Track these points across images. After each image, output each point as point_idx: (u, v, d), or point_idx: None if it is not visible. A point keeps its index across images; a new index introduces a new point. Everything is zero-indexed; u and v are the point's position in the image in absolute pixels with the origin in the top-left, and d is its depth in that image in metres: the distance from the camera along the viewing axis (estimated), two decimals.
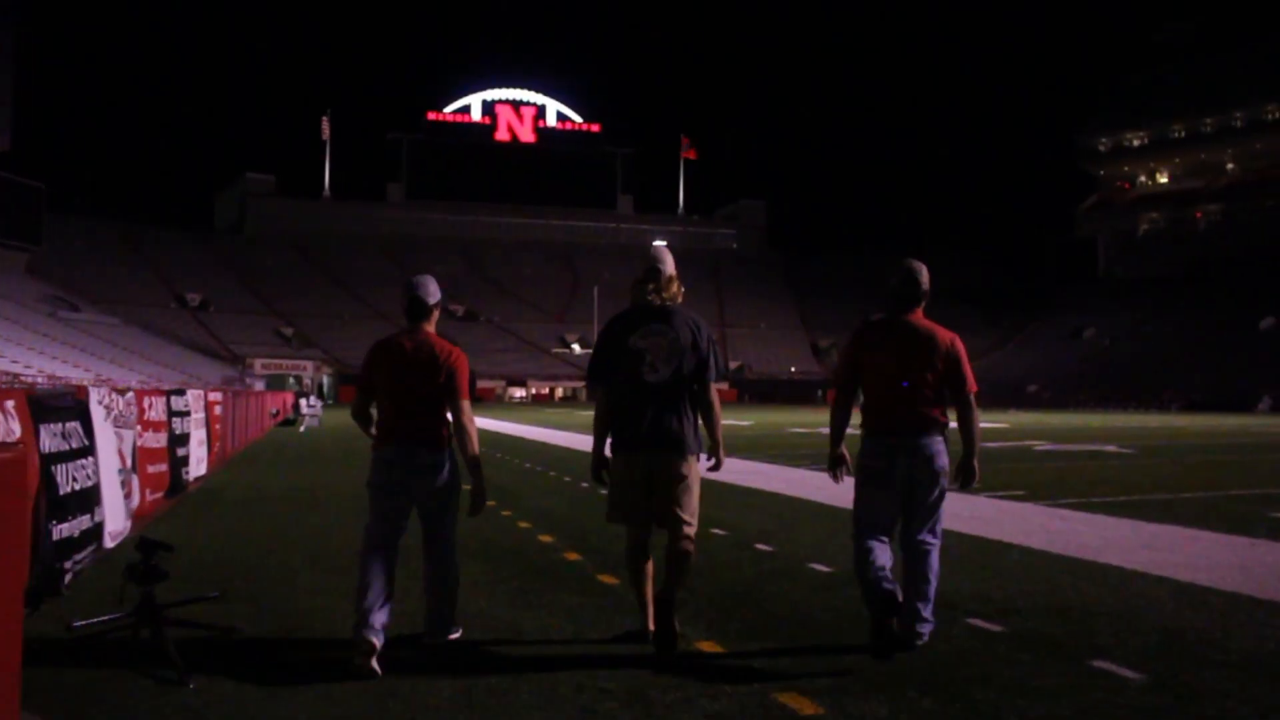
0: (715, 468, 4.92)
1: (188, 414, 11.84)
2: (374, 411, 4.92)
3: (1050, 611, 5.39)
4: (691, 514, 4.76)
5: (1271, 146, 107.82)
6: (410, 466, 4.67)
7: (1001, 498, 10.88)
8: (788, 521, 9.12)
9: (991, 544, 7.67)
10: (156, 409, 9.87)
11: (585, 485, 12.56)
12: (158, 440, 9.85)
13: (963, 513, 9.47)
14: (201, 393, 13.78)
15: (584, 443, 22.56)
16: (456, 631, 4.89)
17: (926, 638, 4.64)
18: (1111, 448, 20.35)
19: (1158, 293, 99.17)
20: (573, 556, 7.20)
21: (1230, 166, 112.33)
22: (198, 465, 12.88)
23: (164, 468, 10.21)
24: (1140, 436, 25.70)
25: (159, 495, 9.99)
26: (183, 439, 11.38)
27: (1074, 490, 11.70)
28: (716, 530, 8.22)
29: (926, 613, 4.66)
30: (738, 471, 13.97)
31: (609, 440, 4.89)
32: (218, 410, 15.18)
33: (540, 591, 6.01)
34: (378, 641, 4.31)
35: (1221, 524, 8.69)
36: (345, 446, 21.18)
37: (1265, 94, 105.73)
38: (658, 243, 5.16)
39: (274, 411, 35.23)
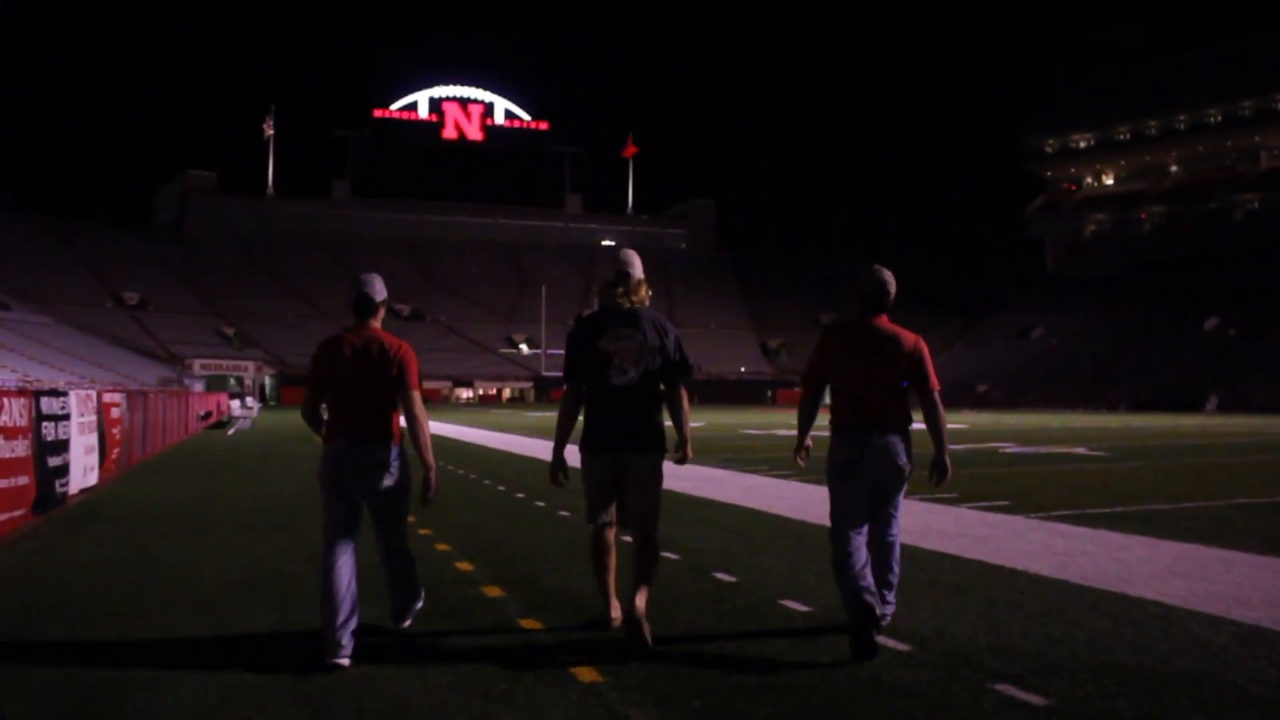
0: (681, 460, 4.96)
1: (66, 418, 10.37)
2: (324, 412, 4.86)
3: (1100, 671, 4.17)
4: (657, 513, 4.87)
5: (1213, 149, 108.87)
6: (360, 462, 4.67)
7: (986, 509, 9.73)
8: (751, 541, 7.88)
9: (993, 570, 6.49)
10: (13, 413, 8.42)
11: (521, 496, 11.26)
12: (14, 449, 8.39)
13: (950, 529, 8.31)
14: (91, 394, 12.29)
15: (525, 446, 21.24)
16: (420, 600, 5.05)
17: (889, 619, 4.90)
18: (1081, 449, 19.38)
19: (1104, 293, 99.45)
20: (492, 592, 5.88)
21: (1174, 169, 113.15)
22: (84, 475, 11.42)
23: (26, 480, 8.76)
24: (1106, 438, 24.81)
25: (20, 512, 8.56)
26: (57, 446, 9.91)
27: (1062, 499, 10.58)
28: (669, 554, 6.94)
29: (890, 597, 4.97)
30: (690, 479, 12.72)
31: (579, 441, 4.92)
32: (115, 413, 13.67)
33: (443, 641, 4.71)
34: (345, 660, 4.36)
35: (1247, 542, 7.58)
36: (267, 451, 19.70)
37: (1207, 97, 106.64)
38: (627, 249, 5.09)
39: (203, 414, 33.55)
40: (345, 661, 4.33)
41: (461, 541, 7.77)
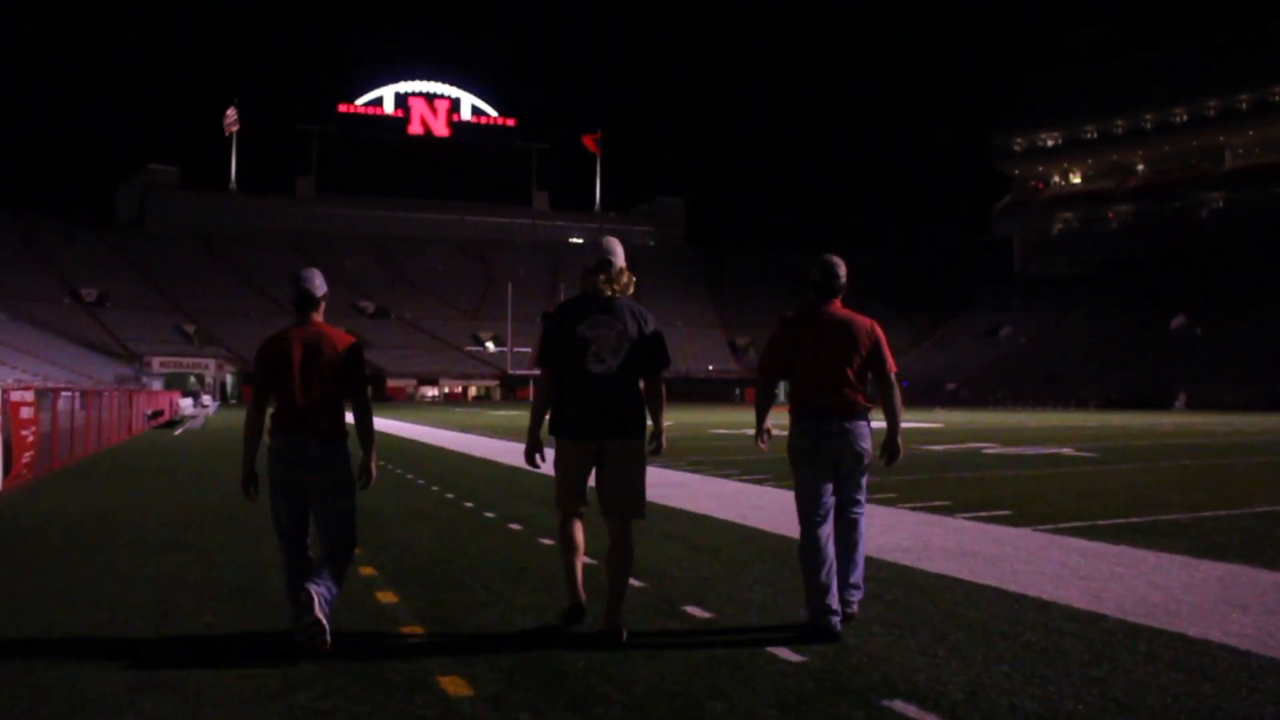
0: (656, 451, 4.90)
1: None
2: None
3: None
4: (640, 499, 4.85)
5: (1180, 149, 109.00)
6: (304, 457, 4.65)
7: (986, 520, 8.73)
8: (727, 562, 6.83)
9: (1016, 602, 5.45)
10: None
11: (469, 505, 10.16)
12: None
13: (952, 546, 7.29)
14: None
15: (484, 448, 20.13)
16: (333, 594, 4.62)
17: (856, 607, 4.92)
18: (1068, 450, 18.46)
19: (1072, 292, 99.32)
20: (413, 633, 4.77)
21: (1141, 168, 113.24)
22: None
23: None
24: (1088, 437, 23.95)
25: None
26: None
27: (1067, 508, 9.59)
28: (632, 580, 5.88)
29: (856, 579, 4.96)
30: (658, 485, 11.66)
31: (555, 426, 4.85)
32: (25, 413, 12.46)
33: (331, 714, 3.63)
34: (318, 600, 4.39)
35: None
36: (208, 454, 18.51)
37: (1174, 97, 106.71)
38: (610, 237, 5.02)
39: (150, 413, 32.22)
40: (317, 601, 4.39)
41: (390, 564, 6.67)
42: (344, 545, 4.73)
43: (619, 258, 4.84)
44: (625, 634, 4.61)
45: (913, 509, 9.42)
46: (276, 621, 4.93)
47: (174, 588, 5.92)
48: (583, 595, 4.80)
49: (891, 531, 7.99)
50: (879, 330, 5.04)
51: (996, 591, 5.69)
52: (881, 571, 6.28)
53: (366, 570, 6.39)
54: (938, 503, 9.90)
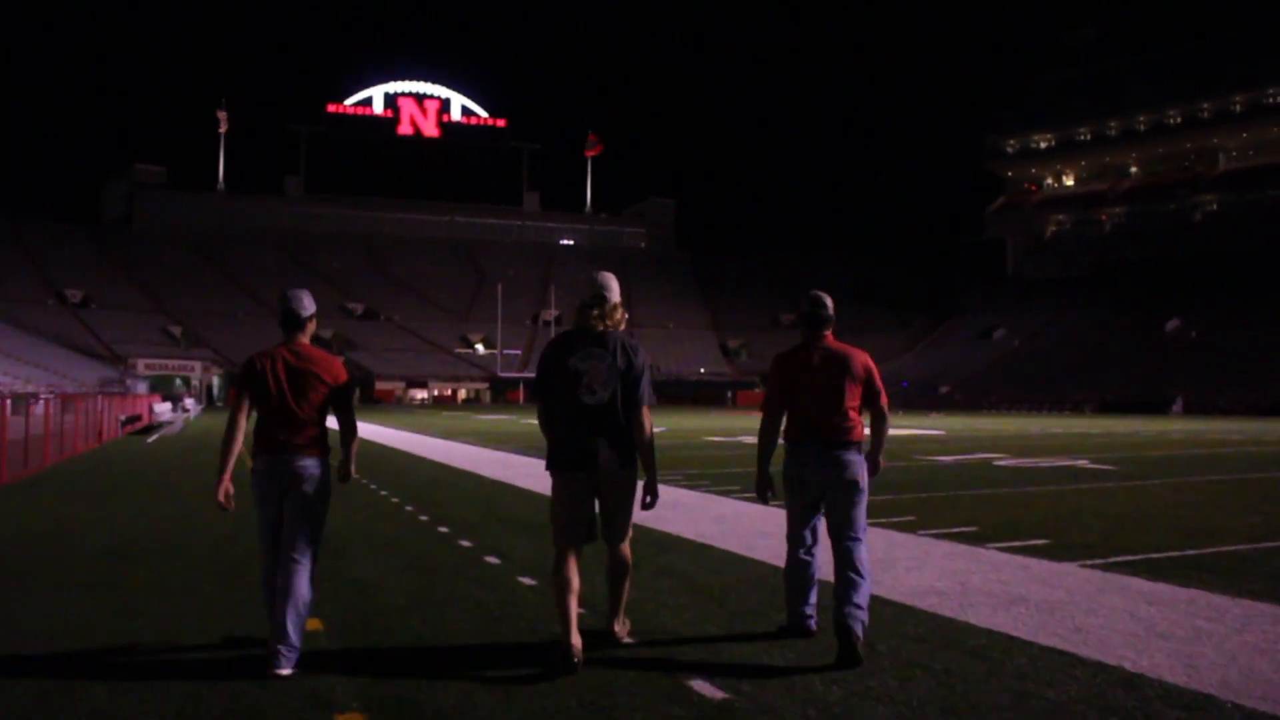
0: (649, 505, 4.88)
1: None
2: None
3: None
4: (629, 525, 4.95)
5: (1173, 150, 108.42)
6: (288, 473, 4.67)
7: (1022, 551, 7.74)
8: (735, 610, 5.78)
9: (1094, 672, 4.45)
10: None
11: (444, 530, 9.14)
12: None
13: (995, 589, 6.29)
14: None
15: (468, 458, 19.07)
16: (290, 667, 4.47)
17: (861, 630, 4.69)
18: (1084, 463, 17.45)
19: (1066, 294, 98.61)
20: None
21: (1134, 170, 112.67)
22: None
23: None
24: (1098, 447, 22.93)
25: None
26: None
27: (1110, 536, 8.57)
28: (625, 638, 4.91)
29: (859, 600, 4.78)
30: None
31: (550, 460, 4.92)
32: None
33: None
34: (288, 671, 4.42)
35: None
36: (177, 464, 17.44)
37: (1167, 99, 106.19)
38: (605, 272, 5.00)
39: (125, 418, 31.15)
40: (287, 671, 4.38)
41: (340, 614, 5.65)
42: (305, 581, 4.63)
43: (614, 294, 4.91)
44: (625, 638, 4.98)
45: (937, 537, 8.45)
46: (192, 696, 3.94)
47: (85, 634, 4.93)
48: (576, 638, 4.54)
49: (921, 568, 7.01)
50: (872, 363, 5.21)
51: (1067, 658, 4.70)
52: (921, 626, 5.32)
53: (312, 625, 5.38)
54: (963, 528, 8.93)
